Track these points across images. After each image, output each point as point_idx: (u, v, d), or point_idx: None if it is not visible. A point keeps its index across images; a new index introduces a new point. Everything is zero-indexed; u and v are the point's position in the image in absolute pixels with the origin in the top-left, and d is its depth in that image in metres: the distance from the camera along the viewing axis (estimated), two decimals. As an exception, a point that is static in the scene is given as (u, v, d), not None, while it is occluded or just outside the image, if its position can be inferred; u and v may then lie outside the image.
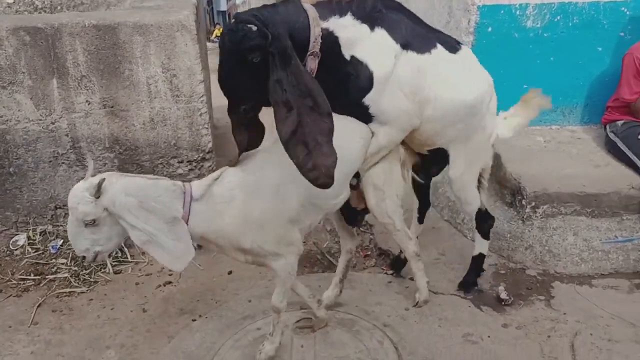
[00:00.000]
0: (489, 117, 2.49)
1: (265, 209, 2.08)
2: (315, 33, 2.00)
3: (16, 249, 3.27)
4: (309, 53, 2.02)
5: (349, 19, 2.06)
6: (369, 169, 2.34)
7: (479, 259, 2.84)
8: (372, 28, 2.09)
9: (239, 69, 1.96)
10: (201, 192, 2.05)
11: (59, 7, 6.17)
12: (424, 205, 3.00)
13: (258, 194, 2.08)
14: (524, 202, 3.09)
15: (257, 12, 1.95)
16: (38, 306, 2.86)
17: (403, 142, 2.43)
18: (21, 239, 3.30)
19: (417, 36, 2.18)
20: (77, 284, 3.02)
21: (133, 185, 1.95)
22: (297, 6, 2.03)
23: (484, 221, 2.74)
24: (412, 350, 2.43)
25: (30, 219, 3.32)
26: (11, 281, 3.04)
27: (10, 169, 3.21)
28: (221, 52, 1.98)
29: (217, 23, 28.43)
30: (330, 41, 2.04)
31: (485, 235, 2.79)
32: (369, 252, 3.46)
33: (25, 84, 3.06)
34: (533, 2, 3.37)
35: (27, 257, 3.19)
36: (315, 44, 2.01)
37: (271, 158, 2.12)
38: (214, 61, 3.03)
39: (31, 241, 3.29)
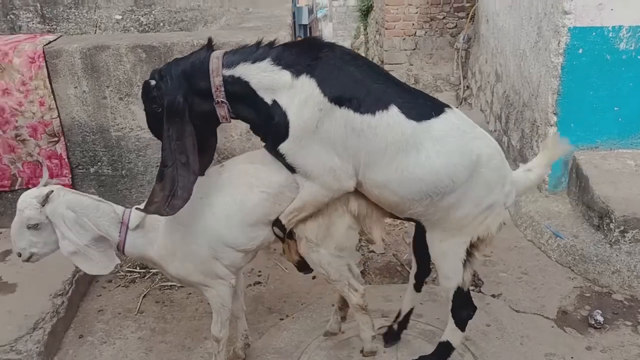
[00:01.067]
0: (484, 190, 2.09)
1: (180, 246, 2.21)
2: (215, 83, 2.05)
3: (123, 244, 3.60)
4: (215, 102, 2.08)
5: (265, 64, 2.04)
6: (302, 222, 2.22)
7: (444, 349, 2.40)
8: (296, 75, 2.00)
9: (150, 116, 2.19)
10: (136, 221, 2.22)
11: (161, 24, 6.69)
12: (423, 271, 2.56)
13: (175, 230, 2.21)
14: (612, 226, 3.06)
15: (163, 67, 2.13)
16: (143, 297, 3.15)
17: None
18: (127, 235, 3.62)
19: (363, 93, 1.99)
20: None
21: (76, 203, 2.16)
22: (201, 57, 2.10)
23: (461, 306, 2.30)
24: (493, 364, 2.50)
25: (136, 217, 3.64)
26: (120, 273, 3.35)
27: (123, 172, 3.55)
28: None
29: (298, 36, 29.22)
30: (240, 86, 2.06)
31: (460, 324, 2.34)
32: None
33: (139, 95, 3.39)
34: (627, 24, 3.34)
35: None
36: (218, 93, 2.06)
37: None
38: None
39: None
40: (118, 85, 3.35)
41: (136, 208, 2.25)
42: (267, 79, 2.03)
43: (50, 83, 3.32)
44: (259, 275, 3.37)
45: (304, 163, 2.08)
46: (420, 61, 8.67)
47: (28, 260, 2.22)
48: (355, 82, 2.01)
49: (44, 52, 3.27)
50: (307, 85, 1.99)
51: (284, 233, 2.25)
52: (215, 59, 2.07)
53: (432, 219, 2.14)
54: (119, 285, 3.28)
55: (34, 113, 3.37)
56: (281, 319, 2.95)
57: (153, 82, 2.11)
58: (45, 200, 2.10)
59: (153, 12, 6.60)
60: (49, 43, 3.33)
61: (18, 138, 3.43)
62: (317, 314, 2.95)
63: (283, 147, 2.06)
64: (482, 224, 2.13)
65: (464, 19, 8.02)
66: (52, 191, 2.13)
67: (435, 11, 8.25)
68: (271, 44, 2.10)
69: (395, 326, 2.65)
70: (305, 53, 2.05)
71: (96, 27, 6.65)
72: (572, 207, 3.61)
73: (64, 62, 3.30)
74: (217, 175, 2.27)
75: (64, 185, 3.38)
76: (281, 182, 2.20)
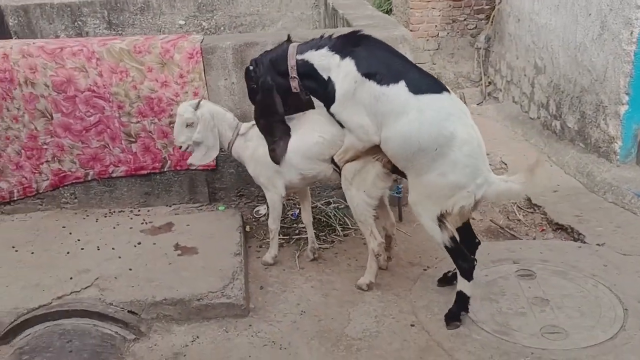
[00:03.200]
0: (449, 166, 2.62)
1: (260, 156, 3.24)
2: (290, 64, 2.93)
3: (260, 217, 4.09)
4: (290, 77, 2.95)
5: (324, 51, 2.87)
6: (344, 163, 3.05)
7: (461, 298, 2.86)
8: (342, 58, 2.80)
9: (250, 90, 3.17)
10: (244, 130, 3.33)
11: (222, 28, 7.20)
12: (469, 243, 2.98)
13: (260, 145, 3.22)
14: (693, 183, 3.67)
15: (258, 57, 3.08)
16: (298, 256, 3.64)
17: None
18: (262, 209, 4.11)
19: (385, 71, 2.71)
20: (319, 242, 3.79)
21: (214, 110, 3.29)
22: (283, 48, 2.99)
23: (456, 257, 2.80)
24: (624, 292, 3.07)
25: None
26: (265, 240, 3.84)
27: (258, 153, 4.04)
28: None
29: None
30: (307, 67, 2.92)
31: (463, 274, 2.80)
32: (544, 227, 4.10)
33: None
34: (693, 16, 3.98)
35: (272, 222, 4.00)
36: (292, 71, 2.94)
37: None
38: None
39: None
40: (263, 76, 3.84)
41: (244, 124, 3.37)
42: (324, 61, 2.87)
43: (205, 76, 3.80)
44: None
45: (345, 120, 2.88)
46: (442, 60, 9.24)
47: (186, 150, 3.33)
48: (380, 63, 2.77)
49: (201, 49, 3.75)
50: (348, 65, 2.78)
51: (338, 167, 3.10)
52: (292, 48, 2.95)
53: (412, 177, 2.81)
54: (270, 250, 3.76)
55: (188, 102, 3.85)
56: (424, 270, 3.47)
57: (251, 68, 3.08)
58: (197, 106, 3.24)
59: (214, 17, 7.10)
60: (202, 40, 3.82)
61: (171, 125, 3.89)
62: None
63: (332, 108, 2.90)
64: (448, 200, 2.69)
65: (483, 20, 8.64)
66: (200, 100, 3.29)
67: (457, 13, 8.82)
68: (330, 37, 2.93)
69: (450, 273, 3.23)
70: (350, 42, 2.85)
71: (160, 31, 7.10)
72: (644, 173, 4.23)
73: (217, 57, 3.79)
74: (294, 119, 3.20)
75: (209, 166, 3.89)
76: (334, 132, 3.08)
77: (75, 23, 7.05)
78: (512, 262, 3.43)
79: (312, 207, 4.13)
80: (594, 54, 4.68)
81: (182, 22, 7.07)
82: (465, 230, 2.96)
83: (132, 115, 3.86)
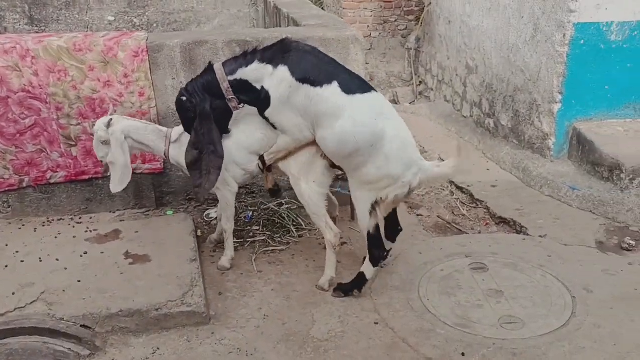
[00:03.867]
0: (383, 160, 2.83)
1: None
2: (224, 87, 2.97)
3: (211, 220, 3.98)
4: (226, 99, 3.00)
5: (254, 65, 2.93)
6: (283, 160, 3.19)
7: (360, 278, 3.13)
8: (275, 67, 2.89)
9: (185, 121, 3.12)
10: (176, 136, 3.25)
11: (155, 25, 6.95)
12: (392, 229, 3.29)
13: None
14: (622, 176, 3.96)
15: (188, 87, 3.04)
16: (254, 260, 3.58)
17: None
18: (213, 212, 4.01)
19: (317, 74, 2.86)
20: (274, 244, 3.75)
21: (130, 126, 3.18)
22: (210, 74, 2.99)
23: (372, 245, 3.04)
24: (569, 280, 3.25)
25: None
26: (222, 244, 3.74)
27: (209, 155, 3.93)
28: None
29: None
30: (242, 83, 2.97)
31: (373, 260, 3.07)
32: (488, 222, 4.27)
33: (230, 84, 3.80)
34: (617, 20, 4.28)
35: (224, 226, 3.91)
36: (228, 92, 2.98)
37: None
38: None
39: (222, 214, 4.00)
40: (212, 75, 3.74)
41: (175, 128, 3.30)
42: (257, 73, 2.94)
43: (151, 75, 3.65)
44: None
45: (279, 121, 3.02)
46: (375, 60, 9.42)
47: (107, 167, 3.26)
48: (313, 66, 2.89)
49: (147, 47, 3.60)
50: (282, 72, 2.88)
51: (264, 166, 3.23)
52: (219, 71, 2.97)
53: (349, 170, 2.98)
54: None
55: (132, 103, 3.68)
56: (382, 267, 3.51)
57: (184, 98, 3.03)
58: (108, 124, 3.14)
59: (147, 13, 6.85)
60: (147, 38, 3.66)
61: (115, 127, 3.71)
62: (412, 259, 3.55)
63: (267, 112, 3.01)
64: (384, 190, 2.91)
65: (413, 22, 8.89)
66: (112, 118, 3.18)
67: (388, 14, 9.02)
68: (255, 50, 2.98)
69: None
70: (280, 51, 2.94)
71: (87, 28, 6.76)
72: (576, 167, 4.50)
73: (164, 56, 3.65)
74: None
75: (155, 169, 3.76)
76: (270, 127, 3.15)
77: (-7, 18, 6.57)
78: (465, 256, 3.54)
79: (264, 209, 4.10)
80: (527, 55, 4.92)
81: (111, 19, 6.75)
82: (392, 216, 3.23)
83: (71, 117, 3.64)
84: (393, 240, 3.36)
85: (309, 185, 3.14)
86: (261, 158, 3.22)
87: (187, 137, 3.15)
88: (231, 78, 2.97)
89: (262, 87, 2.95)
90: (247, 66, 2.95)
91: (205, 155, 3.03)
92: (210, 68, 3.01)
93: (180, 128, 3.22)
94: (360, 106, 2.84)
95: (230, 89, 2.98)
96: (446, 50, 7.13)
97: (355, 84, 2.91)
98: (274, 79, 2.90)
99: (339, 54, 3.86)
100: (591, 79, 4.44)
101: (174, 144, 3.26)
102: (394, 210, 3.23)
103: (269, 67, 2.90)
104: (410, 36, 8.82)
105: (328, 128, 2.86)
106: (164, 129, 3.33)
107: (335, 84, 2.83)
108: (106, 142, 3.16)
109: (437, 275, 3.36)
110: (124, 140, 3.14)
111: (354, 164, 2.92)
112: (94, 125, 3.24)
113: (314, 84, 2.84)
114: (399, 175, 2.87)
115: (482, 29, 5.98)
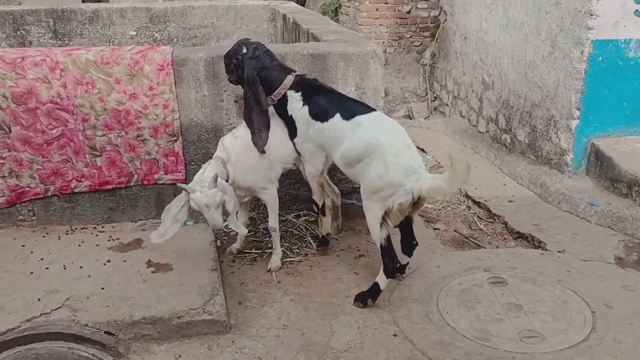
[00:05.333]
0: (383, 169, 2.99)
1: (253, 164, 3.45)
2: (279, 93, 3.37)
3: (230, 231, 4.03)
4: (271, 96, 3.39)
5: (298, 95, 3.37)
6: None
7: (375, 287, 3.20)
8: (303, 104, 3.34)
9: (229, 65, 3.46)
10: (223, 157, 3.36)
11: (175, 40, 7.07)
12: (408, 243, 3.39)
13: (249, 154, 3.44)
14: (641, 192, 3.95)
15: (256, 49, 3.39)
16: (272, 271, 3.61)
17: None
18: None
19: (324, 111, 3.27)
20: (293, 256, 3.78)
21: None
22: (282, 74, 3.39)
23: (385, 255, 3.12)
24: (589, 295, 3.24)
25: (238, 207, 4.08)
26: (241, 254, 3.79)
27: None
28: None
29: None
30: (284, 99, 3.40)
31: (386, 271, 3.13)
32: (506, 237, 4.28)
33: (251, 98, 3.87)
34: (635, 37, 4.31)
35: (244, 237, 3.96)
36: (276, 96, 3.39)
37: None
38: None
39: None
40: (234, 89, 3.81)
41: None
42: (294, 104, 3.39)
43: (175, 88, 3.73)
44: (358, 250, 3.93)
45: (302, 151, 3.47)
46: (390, 76, 9.48)
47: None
48: (323, 105, 3.31)
49: (172, 61, 3.68)
50: (305, 111, 3.34)
51: (319, 209, 3.64)
52: (288, 81, 3.39)
53: (358, 181, 3.21)
54: (244, 264, 3.71)
55: (157, 115, 3.76)
56: (400, 280, 3.53)
57: (244, 51, 3.36)
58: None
59: (167, 28, 6.99)
60: (172, 52, 3.75)
61: (139, 138, 3.79)
62: (429, 273, 3.56)
63: (295, 140, 3.46)
64: (390, 199, 3.01)
65: (428, 38, 8.96)
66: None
67: (403, 30, 9.10)
68: (303, 81, 3.41)
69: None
70: (312, 92, 3.36)
71: (110, 42, 6.90)
72: (594, 183, 4.50)
73: (189, 70, 3.73)
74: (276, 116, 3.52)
75: (177, 180, 3.82)
76: None
77: (18, 32, 6.74)
78: (483, 270, 3.55)
79: (282, 220, 4.14)
80: (545, 72, 4.95)
81: (133, 33, 6.90)
82: (407, 230, 3.34)
83: (97, 128, 3.72)
84: (409, 255, 3.42)
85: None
86: (315, 203, 3.61)
87: (231, 146, 3.39)
88: (283, 91, 3.38)
89: (291, 116, 3.41)
90: (297, 91, 3.37)
91: (254, 115, 3.32)
92: (289, 72, 3.43)
93: (227, 141, 3.43)
94: (357, 125, 3.15)
95: (277, 98, 3.40)
96: (462, 66, 7.19)
97: (355, 110, 3.23)
98: (298, 114, 3.37)
99: (359, 68, 3.94)
100: (609, 95, 4.46)
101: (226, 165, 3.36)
102: (409, 225, 3.31)
103: (301, 103, 3.36)
104: (425, 52, 8.89)
105: (337, 150, 3.24)
106: (219, 156, 3.37)
107: (337, 116, 3.22)
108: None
109: (456, 288, 3.37)
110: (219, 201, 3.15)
111: (360, 175, 3.15)
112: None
113: (322, 119, 3.28)
114: (398, 182, 2.97)
115: (499, 45, 6.02)
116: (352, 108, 3.24)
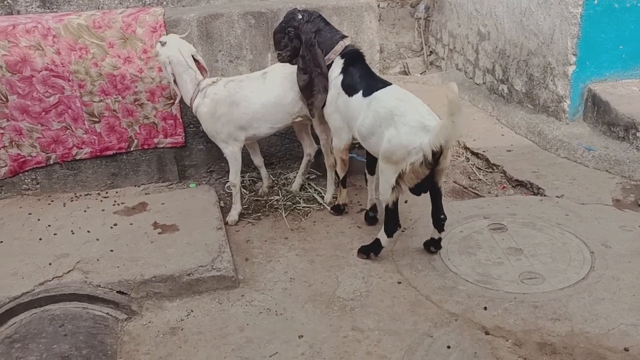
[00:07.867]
0: (392, 133, 2.98)
1: (223, 114, 3.52)
2: (329, 58, 3.41)
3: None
4: (323, 59, 3.42)
5: (341, 62, 3.40)
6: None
7: (376, 243, 3.26)
8: (340, 72, 3.40)
9: (281, 32, 3.48)
10: (204, 86, 3.44)
11: (164, 2, 6.94)
12: (436, 217, 3.22)
13: (221, 103, 3.51)
14: (638, 135, 3.97)
15: (312, 15, 3.42)
16: (277, 227, 3.67)
17: None
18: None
19: (353, 85, 3.32)
20: (296, 213, 3.84)
21: (174, 56, 3.39)
22: (335, 38, 3.43)
23: (388, 217, 3.16)
24: (587, 236, 3.31)
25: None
26: (244, 213, 3.84)
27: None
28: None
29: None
30: (330, 64, 3.44)
31: (387, 231, 3.21)
32: (505, 185, 4.33)
33: (247, 57, 3.87)
34: (631, -21, 4.27)
35: (246, 196, 4.01)
36: (327, 61, 3.42)
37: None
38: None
39: (243, 185, 4.09)
40: (229, 49, 3.81)
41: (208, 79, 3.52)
42: (335, 70, 3.41)
43: (170, 50, 3.70)
44: (360, 205, 3.98)
45: (329, 120, 3.53)
46: (384, 31, 9.35)
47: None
48: (352, 79, 3.35)
49: (164, 22, 3.65)
50: (338, 79, 3.39)
51: (339, 180, 3.71)
52: (340, 47, 3.42)
53: (375, 149, 3.21)
54: (248, 223, 3.77)
55: (152, 78, 3.76)
56: (402, 231, 3.59)
57: (300, 17, 3.39)
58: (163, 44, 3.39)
59: (157, -9, 6.83)
60: (164, 13, 3.71)
61: (136, 102, 3.80)
62: (430, 221, 3.61)
63: (324, 109, 3.51)
64: (403, 162, 2.95)
65: (421, -9, 8.80)
66: (167, 41, 3.40)
67: (396, -16, 8.94)
68: (351, 50, 3.44)
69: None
70: (351, 62, 3.39)
71: (99, 9, 6.78)
72: (591, 129, 4.53)
73: (182, 31, 3.70)
74: (268, 75, 3.60)
75: (177, 143, 3.84)
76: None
77: (5, 1, 6.61)
78: (483, 218, 3.61)
79: (286, 179, 4.19)
80: (540, 18, 4.91)
81: (122, -2, 6.78)
82: (436, 204, 3.18)
83: (94, 94, 3.72)
84: (440, 229, 3.23)
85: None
86: (337, 173, 3.69)
87: (212, 90, 3.43)
88: (332, 56, 3.42)
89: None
90: (342, 58, 3.41)
91: (315, 77, 3.39)
92: (342, 37, 3.46)
93: (209, 80, 3.49)
94: (372, 100, 3.18)
95: (329, 62, 3.43)
96: (457, 17, 7.10)
97: (373, 87, 3.24)
98: (333, 82, 3.41)
99: (353, 22, 3.91)
100: (605, 39, 4.44)
101: (200, 93, 3.44)
102: (437, 197, 3.16)
103: (338, 72, 3.40)
104: (419, 5, 8.75)
105: (358, 123, 3.26)
106: (200, 77, 3.48)
107: (359, 92, 3.27)
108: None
109: (457, 236, 3.44)
110: (168, 63, 3.39)
111: (375, 144, 3.16)
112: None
113: (349, 93, 3.33)
114: (407, 142, 2.90)
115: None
116: (374, 87, 3.24)
